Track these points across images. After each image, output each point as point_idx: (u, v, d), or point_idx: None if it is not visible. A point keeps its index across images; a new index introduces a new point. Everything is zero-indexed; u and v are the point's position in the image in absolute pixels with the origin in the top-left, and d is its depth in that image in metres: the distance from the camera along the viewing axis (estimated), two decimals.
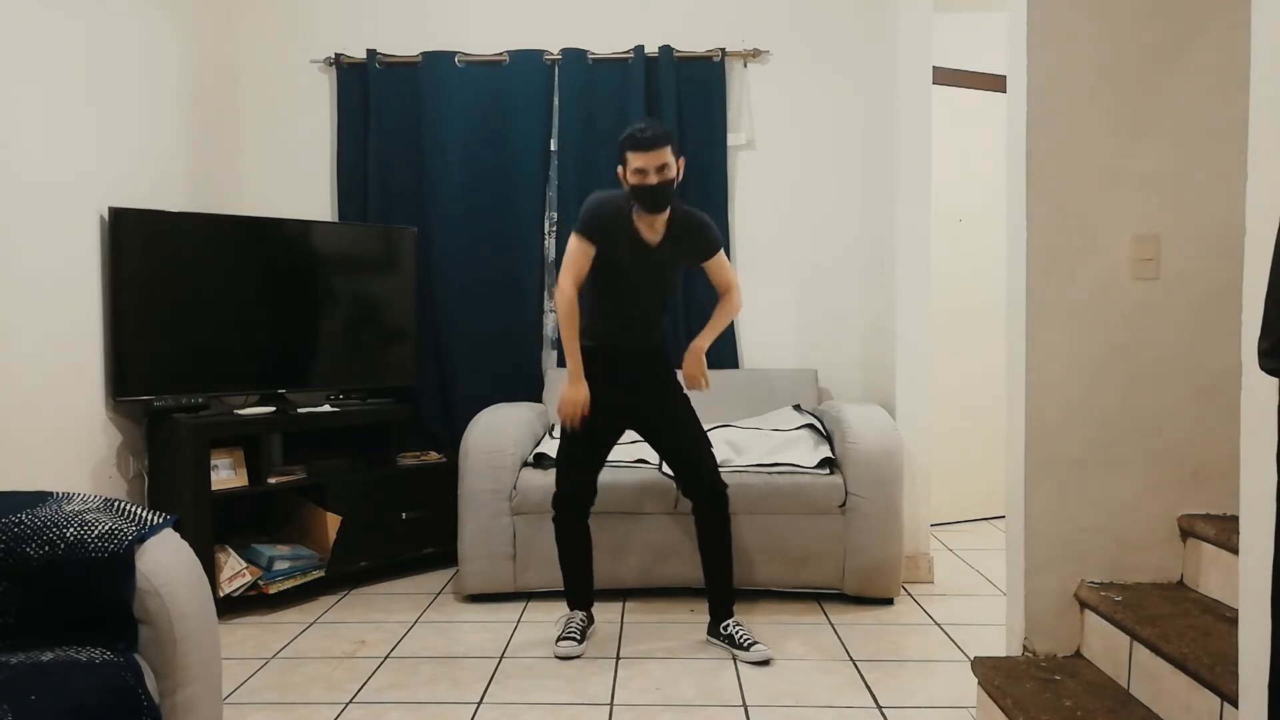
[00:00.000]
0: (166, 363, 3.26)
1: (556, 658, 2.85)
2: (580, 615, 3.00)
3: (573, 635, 2.91)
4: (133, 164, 3.28)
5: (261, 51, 4.10)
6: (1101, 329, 2.26)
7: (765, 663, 2.79)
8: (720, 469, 3.06)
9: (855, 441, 3.28)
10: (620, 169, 2.82)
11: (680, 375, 3.01)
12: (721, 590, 2.96)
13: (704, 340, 3.03)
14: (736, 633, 2.89)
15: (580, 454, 2.95)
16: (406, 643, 2.99)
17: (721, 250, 3.01)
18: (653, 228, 2.87)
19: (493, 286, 4.06)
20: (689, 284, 3.85)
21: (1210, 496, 2.26)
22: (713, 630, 2.96)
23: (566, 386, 2.86)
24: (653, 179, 2.75)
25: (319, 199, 4.14)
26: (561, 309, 2.85)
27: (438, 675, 2.72)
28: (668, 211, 2.85)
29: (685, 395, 3.00)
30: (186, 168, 3.63)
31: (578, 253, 2.85)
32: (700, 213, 2.99)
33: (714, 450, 3.03)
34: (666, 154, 2.75)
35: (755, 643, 2.84)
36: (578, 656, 2.87)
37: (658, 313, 3.00)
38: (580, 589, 3.02)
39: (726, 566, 2.97)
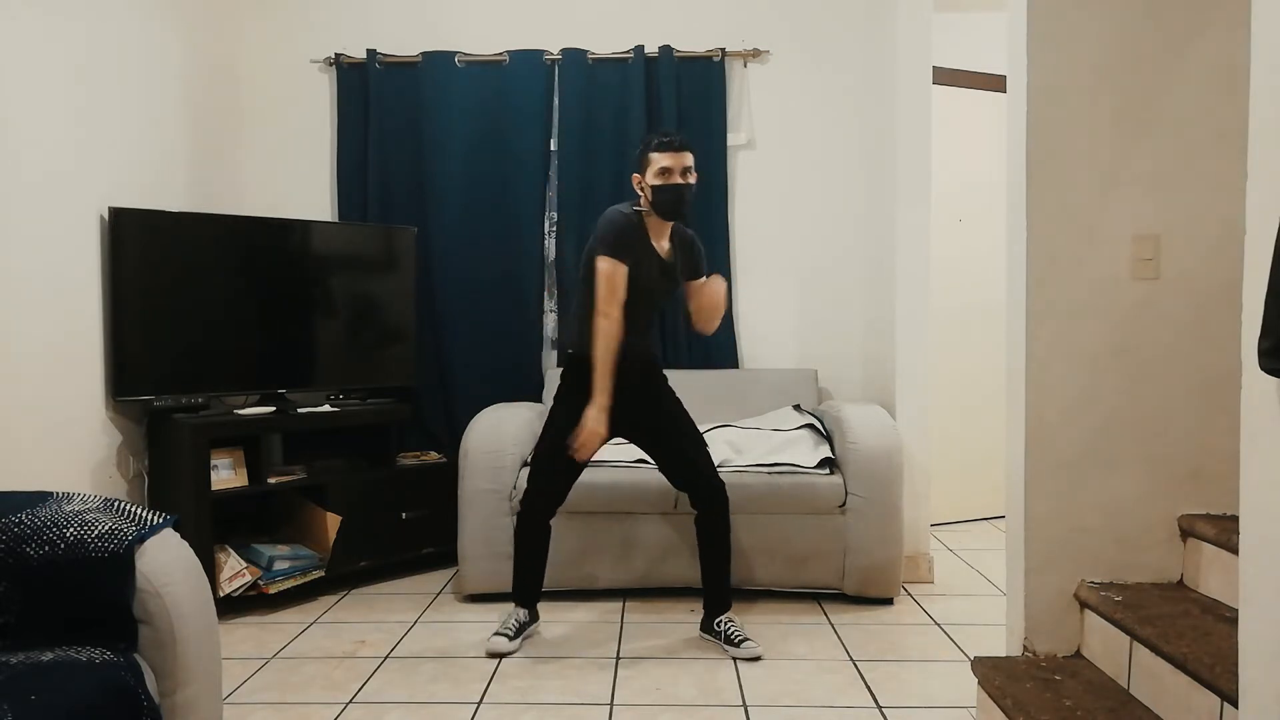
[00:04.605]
0: (166, 363, 3.26)
1: (487, 654, 2.85)
2: (524, 612, 2.98)
3: (506, 632, 2.91)
4: (132, 164, 3.27)
5: (261, 51, 4.10)
6: (1101, 329, 2.26)
7: (756, 659, 2.80)
8: (720, 469, 3.06)
9: (855, 441, 3.28)
10: (637, 175, 2.83)
11: (711, 284, 2.93)
12: (717, 587, 2.97)
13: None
14: (729, 629, 2.89)
15: (564, 465, 2.93)
16: (406, 643, 2.99)
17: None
18: (662, 238, 2.89)
19: (493, 286, 4.06)
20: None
21: (1210, 496, 2.25)
22: (705, 626, 2.97)
23: (591, 417, 2.76)
24: (677, 179, 2.77)
25: (319, 199, 4.14)
26: (610, 341, 2.75)
27: (438, 675, 2.72)
28: (670, 225, 2.89)
29: (678, 399, 3.01)
30: (186, 168, 3.63)
31: (616, 276, 2.76)
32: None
33: (711, 450, 3.03)
34: (690, 159, 2.80)
35: (746, 639, 2.85)
36: (509, 654, 2.86)
37: (654, 319, 3.06)
38: (531, 584, 3.01)
39: (724, 565, 2.97)
